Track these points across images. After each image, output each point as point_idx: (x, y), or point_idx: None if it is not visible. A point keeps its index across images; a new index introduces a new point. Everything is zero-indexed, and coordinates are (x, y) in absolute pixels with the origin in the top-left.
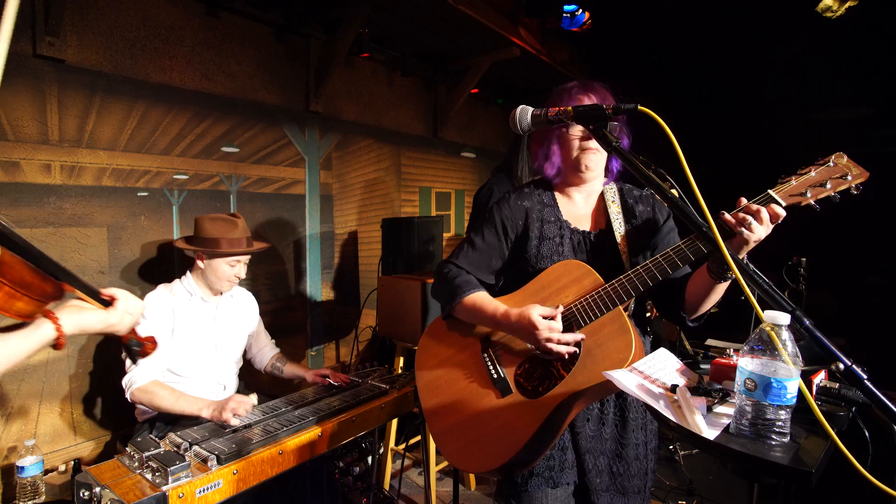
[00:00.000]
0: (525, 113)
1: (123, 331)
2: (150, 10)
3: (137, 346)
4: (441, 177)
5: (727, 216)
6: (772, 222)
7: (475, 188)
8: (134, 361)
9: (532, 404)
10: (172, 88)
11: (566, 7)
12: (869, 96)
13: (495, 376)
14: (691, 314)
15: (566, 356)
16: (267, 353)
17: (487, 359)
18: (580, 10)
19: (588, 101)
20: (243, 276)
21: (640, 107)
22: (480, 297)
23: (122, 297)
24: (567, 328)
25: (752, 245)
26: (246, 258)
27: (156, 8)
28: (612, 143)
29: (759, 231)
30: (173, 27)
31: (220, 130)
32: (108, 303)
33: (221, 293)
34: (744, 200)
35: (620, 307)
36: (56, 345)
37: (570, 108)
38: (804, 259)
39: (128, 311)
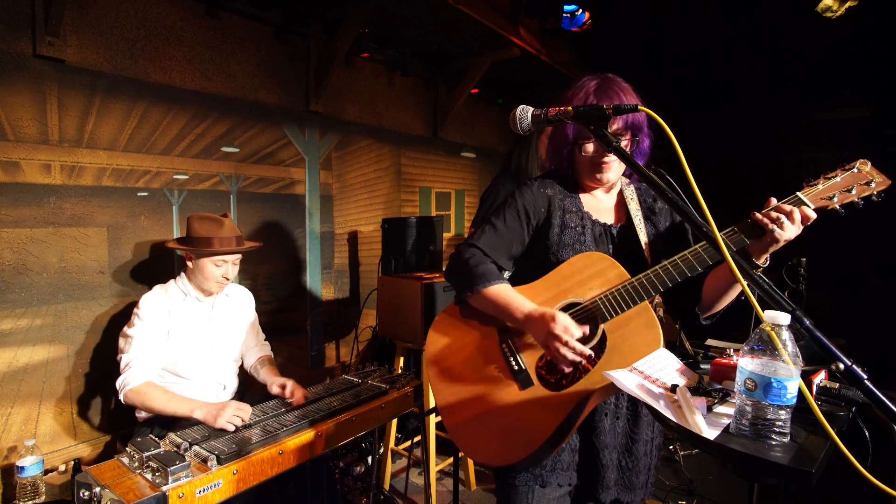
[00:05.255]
0: (525, 113)
1: None
2: (150, 10)
3: None
4: (441, 177)
5: (758, 215)
6: (802, 224)
7: (475, 188)
8: None
9: (556, 397)
10: (172, 88)
11: (566, 7)
12: (869, 96)
13: (516, 368)
14: (706, 311)
15: (567, 369)
16: (254, 354)
17: (507, 349)
18: (580, 10)
19: (619, 100)
20: (231, 276)
21: (640, 107)
22: (504, 291)
23: None
24: (591, 320)
25: (780, 245)
26: (233, 258)
27: (156, 8)
28: (612, 143)
29: (791, 231)
30: (173, 27)
31: (220, 130)
32: None
33: (214, 293)
34: (774, 200)
35: (647, 301)
36: None
37: (570, 107)
38: (804, 259)
39: None
